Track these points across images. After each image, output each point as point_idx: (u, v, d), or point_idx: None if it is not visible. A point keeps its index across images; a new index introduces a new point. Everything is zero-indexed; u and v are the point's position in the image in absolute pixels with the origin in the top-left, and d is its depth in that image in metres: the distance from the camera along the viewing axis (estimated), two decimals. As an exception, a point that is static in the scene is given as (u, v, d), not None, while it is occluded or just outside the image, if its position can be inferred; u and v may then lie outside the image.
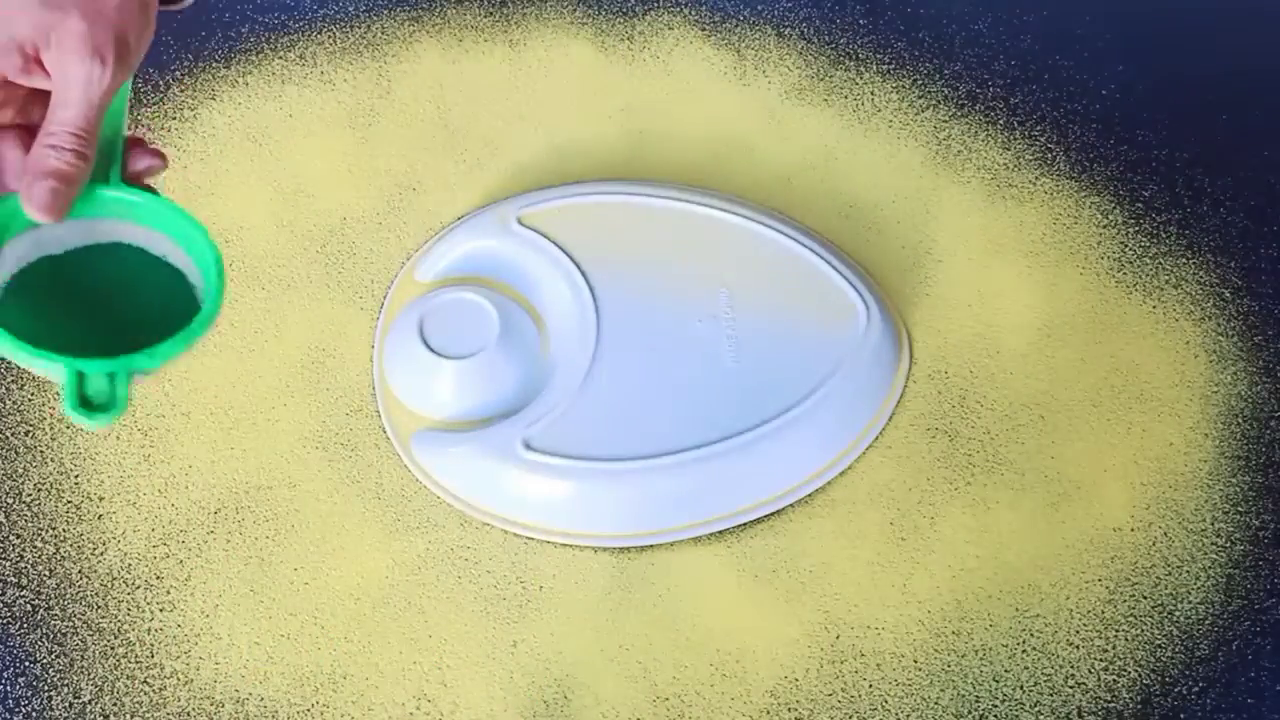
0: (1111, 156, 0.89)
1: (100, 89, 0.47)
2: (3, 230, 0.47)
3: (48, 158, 0.46)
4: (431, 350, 0.73)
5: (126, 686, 0.66)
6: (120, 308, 0.49)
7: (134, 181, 0.50)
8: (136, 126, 0.88)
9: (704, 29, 0.95)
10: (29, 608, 0.68)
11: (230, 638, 0.68)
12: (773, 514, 0.73)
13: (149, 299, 0.50)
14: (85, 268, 0.49)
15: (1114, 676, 0.68)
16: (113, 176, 0.49)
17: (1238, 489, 0.75)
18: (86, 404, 0.43)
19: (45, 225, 0.48)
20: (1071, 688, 0.68)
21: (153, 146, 0.51)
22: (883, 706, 0.67)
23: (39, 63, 0.47)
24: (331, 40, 0.93)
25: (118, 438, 0.74)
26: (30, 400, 0.75)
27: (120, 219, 0.49)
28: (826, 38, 0.95)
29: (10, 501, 0.72)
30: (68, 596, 0.69)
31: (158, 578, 0.70)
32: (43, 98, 0.48)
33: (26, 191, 0.46)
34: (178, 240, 0.50)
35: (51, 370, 0.44)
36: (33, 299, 0.47)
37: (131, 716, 0.65)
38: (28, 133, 0.48)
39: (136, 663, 0.67)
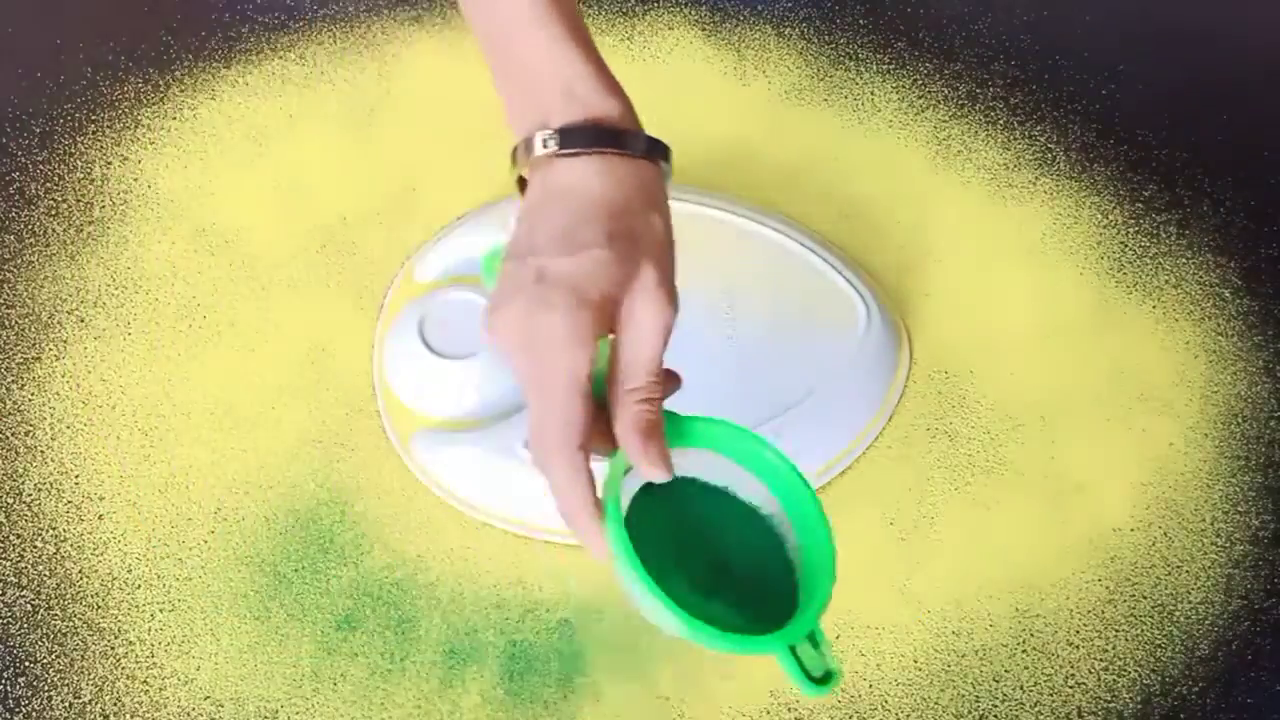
0: (1111, 156, 0.89)
1: (670, 329, 0.45)
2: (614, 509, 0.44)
3: (645, 414, 0.44)
4: (431, 350, 0.73)
5: (126, 686, 0.66)
6: (707, 543, 0.47)
7: None
8: (136, 126, 0.88)
9: (704, 29, 0.95)
10: (29, 608, 0.68)
11: (230, 638, 0.68)
12: (773, 514, 0.73)
13: (733, 538, 0.48)
14: (670, 505, 0.47)
15: (1114, 676, 0.68)
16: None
17: (1238, 489, 0.75)
18: (811, 678, 0.43)
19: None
20: (1071, 688, 0.68)
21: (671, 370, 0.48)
22: (883, 706, 0.67)
23: (613, 318, 0.45)
24: (331, 40, 0.93)
25: (118, 438, 0.74)
26: (30, 400, 0.75)
27: (704, 448, 0.47)
28: (826, 38, 0.95)
29: (10, 501, 0.72)
30: (68, 596, 0.69)
31: (158, 578, 0.70)
32: None
33: (643, 455, 0.44)
34: (755, 471, 0.48)
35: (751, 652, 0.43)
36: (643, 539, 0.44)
37: (131, 716, 0.65)
38: None
39: (136, 663, 0.67)
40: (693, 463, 0.47)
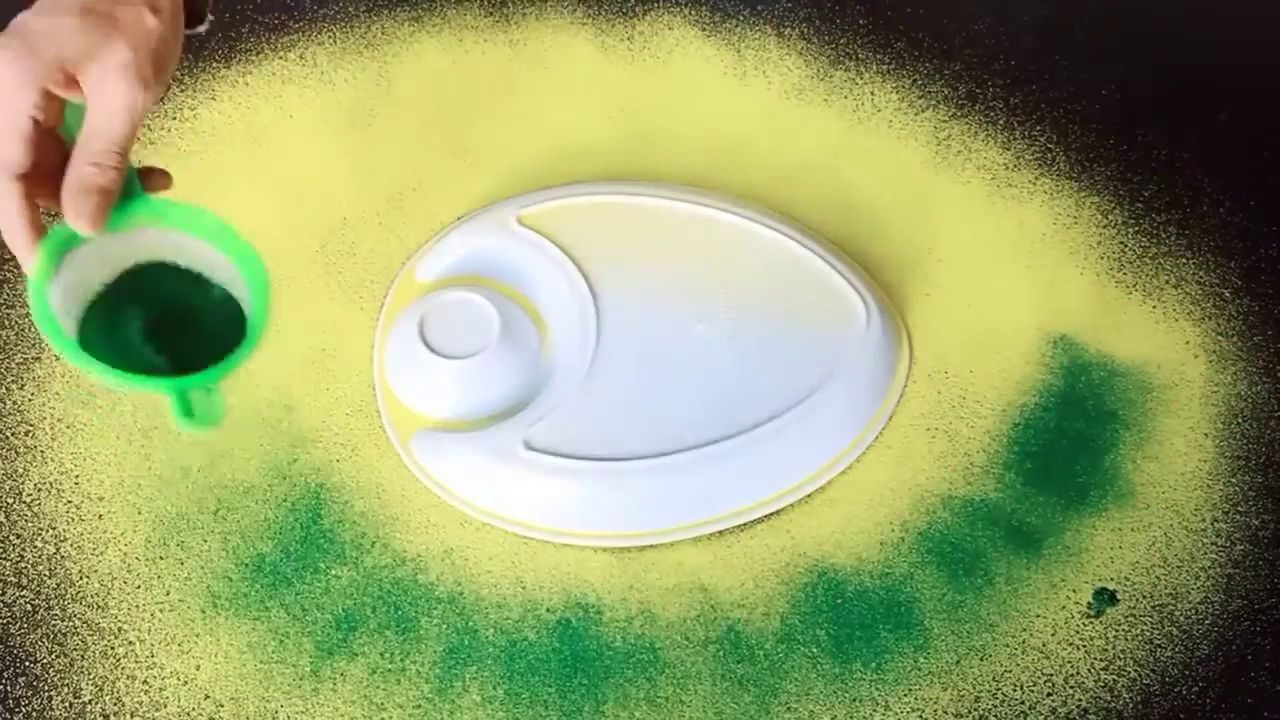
0: (1111, 156, 0.89)
1: (140, 110, 0.51)
2: (48, 263, 0.51)
3: (91, 175, 0.50)
4: (431, 350, 0.73)
5: (126, 686, 0.66)
6: (176, 320, 0.55)
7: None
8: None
9: (704, 29, 0.95)
10: (29, 608, 0.68)
11: (230, 638, 0.68)
12: (772, 514, 0.73)
13: (198, 306, 0.56)
14: (136, 289, 0.55)
15: (1114, 676, 0.68)
16: (136, 190, 0.54)
17: (1238, 489, 0.75)
18: (190, 417, 0.52)
19: (92, 249, 0.52)
20: (1071, 688, 0.68)
21: (159, 168, 0.56)
22: (884, 706, 0.67)
23: (76, 81, 0.51)
24: (331, 40, 0.93)
25: (117, 437, 0.74)
26: (30, 400, 0.75)
27: (158, 225, 0.54)
28: (826, 38, 0.95)
29: (10, 501, 0.72)
30: (68, 596, 0.69)
31: (158, 578, 0.70)
32: (53, 143, 0.52)
33: (71, 206, 0.50)
34: (208, 240, 0.55)
35: (149, 391, 0.51)
36: (101, 324, 0.53)
37: (131, 716, 0.65)
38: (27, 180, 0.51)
39: (136, 663, 0.67)
40: (171, 244, 0.55)
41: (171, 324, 0.55)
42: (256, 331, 0.54)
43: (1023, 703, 0.67)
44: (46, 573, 0.70)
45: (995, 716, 0.67)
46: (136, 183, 0.54)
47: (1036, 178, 0.88)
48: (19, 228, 0.51)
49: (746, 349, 0.75)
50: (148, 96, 0.52)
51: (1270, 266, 0.84)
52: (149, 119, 0.88)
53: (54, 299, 0.51)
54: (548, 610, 0.70)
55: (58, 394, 0.76)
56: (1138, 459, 0.76)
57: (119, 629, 0.68)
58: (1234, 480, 0.75)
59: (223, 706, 0.66)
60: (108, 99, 0.51)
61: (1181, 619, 0.70)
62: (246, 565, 0.70)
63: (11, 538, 0.71)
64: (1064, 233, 0.85)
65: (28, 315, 0.79)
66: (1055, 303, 0.82)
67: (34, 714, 0.65)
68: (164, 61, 0.53)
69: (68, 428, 0.75)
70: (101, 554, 0.70)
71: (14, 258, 0.81)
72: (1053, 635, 0.69)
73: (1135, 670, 0.68)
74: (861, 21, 0.96)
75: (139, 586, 0.69)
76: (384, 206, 0.84)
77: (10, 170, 0.50)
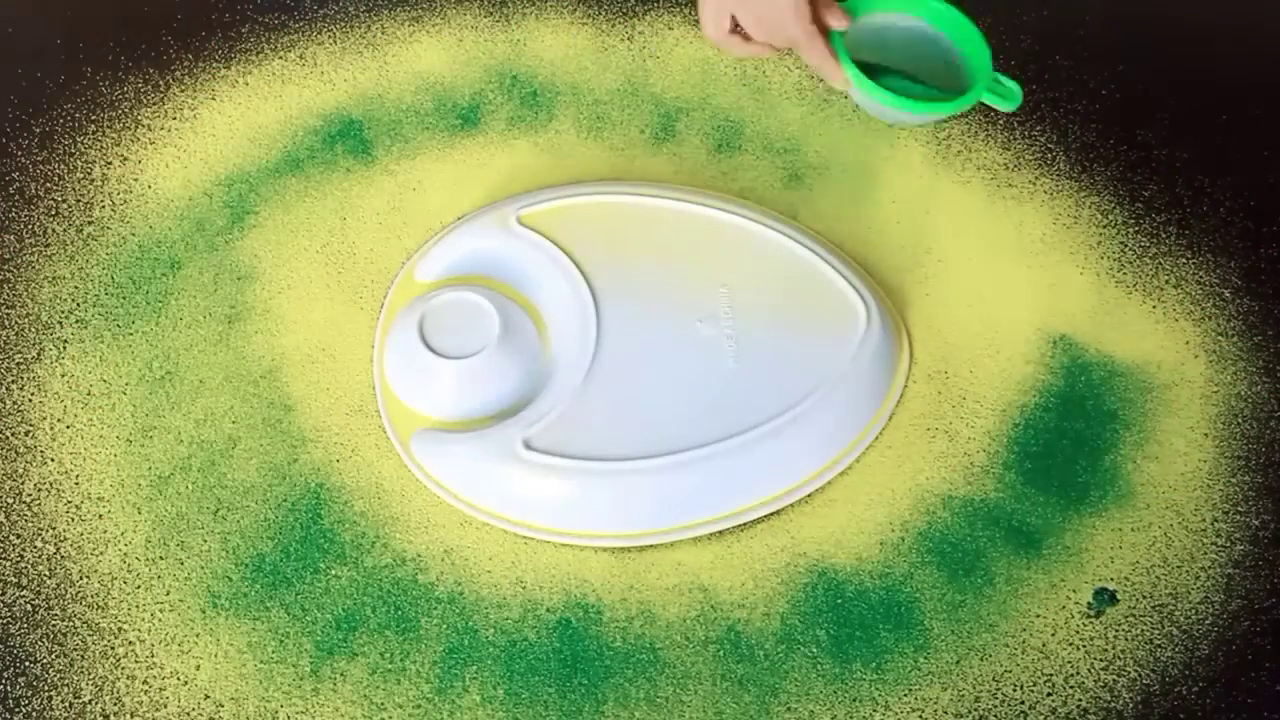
0: (1111, 156, 0.89)
1: None
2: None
3: None
4: (431, 350, 0.73)
5: (126, 686, 0.66)
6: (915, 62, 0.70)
7: None
8: (136, 126, 0.88)
9: (704, 29, 0.95)
10: (29, 608, 0.69)
11: (230, 638, 0.68)
12: (773, 514, 0.73)
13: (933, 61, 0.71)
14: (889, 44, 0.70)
15: (1114, 676, 0.68)
16: None
17: (1238, 489, 0.75)
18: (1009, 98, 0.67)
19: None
20: (1072, 688, 0.68)
21: None
22: (884, 706, 0.67)
23: None
24: (331, 40, 0.93)
25: (117, 437, 0.74)
26: (30, 400, 0.75)
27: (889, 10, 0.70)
28: (826, 38, 0.95)
29: (10, 501, 0.72)
30: (68, 596, 0.69)
31: (158, 578, 0.70)
32: None
33: (827, 12, 0.65)
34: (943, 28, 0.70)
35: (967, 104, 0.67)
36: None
37: (131, 716, 0.65)
38: None
39: (136, 663, 0.67)
40: (885, 20, 0.70)
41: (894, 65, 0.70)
42: (985, 67, 0.68)
43: (1023, 703, 0.67)
44: (46, 573, 0.70)
45: (995, 716, 0.67)
46: None
47: (1036, 178, 0.88)
48: (825, 50, 0.65)
49: (746, 349, 0.75)
50: None
51: (1270, 266, 0.84)
52: (149, 119, 0.88)
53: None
54: (548, 610, 0.70)
55: (58, 394, 0.76)
56: (1138, 459, 0.76)
57: (119, 629, 0.68)
58: (1234, 480, 0.75)
59: (223, 706, 0.66)
60: None
61: (1181, 619, 0.70)
62: (246, 565, 0.70)
63: (11, 538, 0.71)
64: (1064, 233, 0.85)
65: (27, 315, 0.79)
66: (1055, 303, 0.82)
67: (34, 714, 0.65)
68: None
69: (68, 428, 0.75)
70: (101, 554, 0.70)
71: (14, 258, 0.81)
72: (1053, 635, 0.69)
73: (1135, 670, 0.68)
74: (861, 21, 0.96)
75: (139, 586, 0.69)
76: (384, 206, 0.84)
77: (809, 14, 0.64)
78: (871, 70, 0.67)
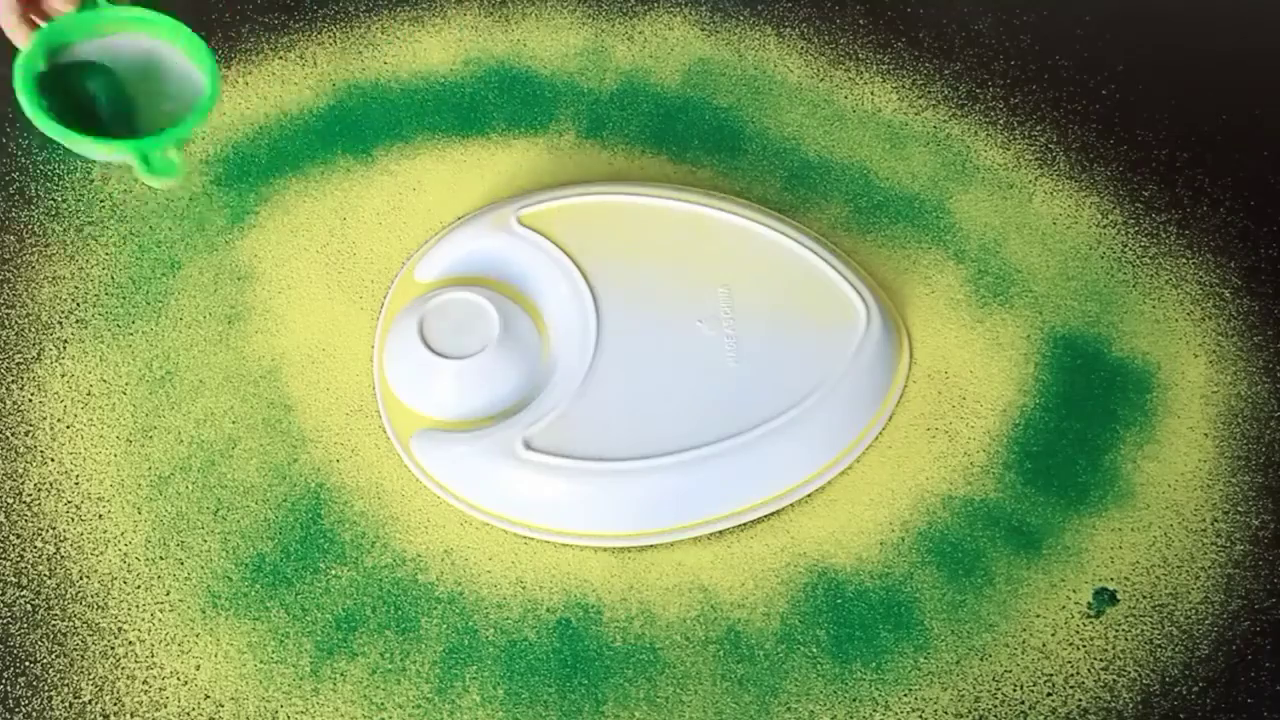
0: (1111, 156, 0.89)
1: None
2: (36, 50, 0.60)
3: None
4: (431, 350, 0.73)
5: (126, 686, 0.66)
6: (133, 99, 0.62)
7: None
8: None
9: (704, 29, 0.95)
10: (29, 608, 0.68)
11: (230, 638, 0.68)
12: (772, 514, 0.73)
13: (155, 90, 0.63)
14: (92, 77, 0.62)
15: (1114, 676, 0.68)
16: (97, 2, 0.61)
17: (1238, 489, 0.75)
18: (154, 172, 0.58)
19: (71, 55, 0.60)
20: (1071, 688, 0.68)
21: None
22: (884, 706, 0.67)
23: None
24: (331, 40, 0.93)
25: (117, 437, 0.74)
26: (30, 400, 0.75)
27: (119, 31, 0.62)
28: (826, 38, 0.95)
29: (10, 501, 0.72)
30: (68, 596, 0.69)
31: (158, 578, 0.70)
32: None
33: None
34: (164, 37, 0.63)
35: (115, 154, 0.59)
36: (63, 98, 0.60)
37: (131, 716, 0.65)
38: None
39: (136, 663, 0.67)
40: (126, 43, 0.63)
41: (128, 106, 0.62)
42: (207, 99, 0.61)
43: (1023, 703, 0.67)
44: (46, 573, 0.70)
45: (995, 716, 0.67)
46: None
47: (1036, 178, 0.88)
48: (16, 17, 0.59)
49: (746, 349, 0.75)
50: None
51: (1270, 266, 0.84)
52: (149, 119, 0.88)
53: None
54: (548, 610, 0.70)
55: (57, 394, 0.76)
56: (1138, 459, 0.76)
57: (119, 629, 0.68)
58: (1234, 480, 0.75)
59: (223, 706, 0.66)
60: None
61: (1181, 619, 0.70)
62: (246, 565, 0.70)
63: (11, 538, 0.71)
64: (1064, 233, 0.85)
65: (27, 315, 0.79)
66: (1055, 302, 0.82)
67: (34, 714, 0.65)
68: None
69: (68, 428, 0.75)
70: (101, 554, 0.70)
71: (14, 258, 0.81)
72: (1053, 635, 0.69)
73: (1135, 670, 0.68)
74: (861, 21, 0.96)
75: (139, 586, 0.69)
76: (384, 206, 0.84)
77: None
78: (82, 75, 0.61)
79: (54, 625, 0.68)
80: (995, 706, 0.67)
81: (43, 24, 0.60)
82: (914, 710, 0.67)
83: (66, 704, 0.66)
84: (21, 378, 0.76)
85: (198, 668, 0.67)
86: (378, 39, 0.93)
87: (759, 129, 0.89)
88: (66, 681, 0.66)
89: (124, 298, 0.80)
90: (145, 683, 0.66)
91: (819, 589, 0.71)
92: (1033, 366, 0.79)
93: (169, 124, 0.60)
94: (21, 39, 0.60)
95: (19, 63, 0.59)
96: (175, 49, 0.63)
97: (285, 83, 0.90)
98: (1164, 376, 0.79)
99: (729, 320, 0.76)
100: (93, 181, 0.85)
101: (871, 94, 0.91)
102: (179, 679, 0.67)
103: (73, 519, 0.71)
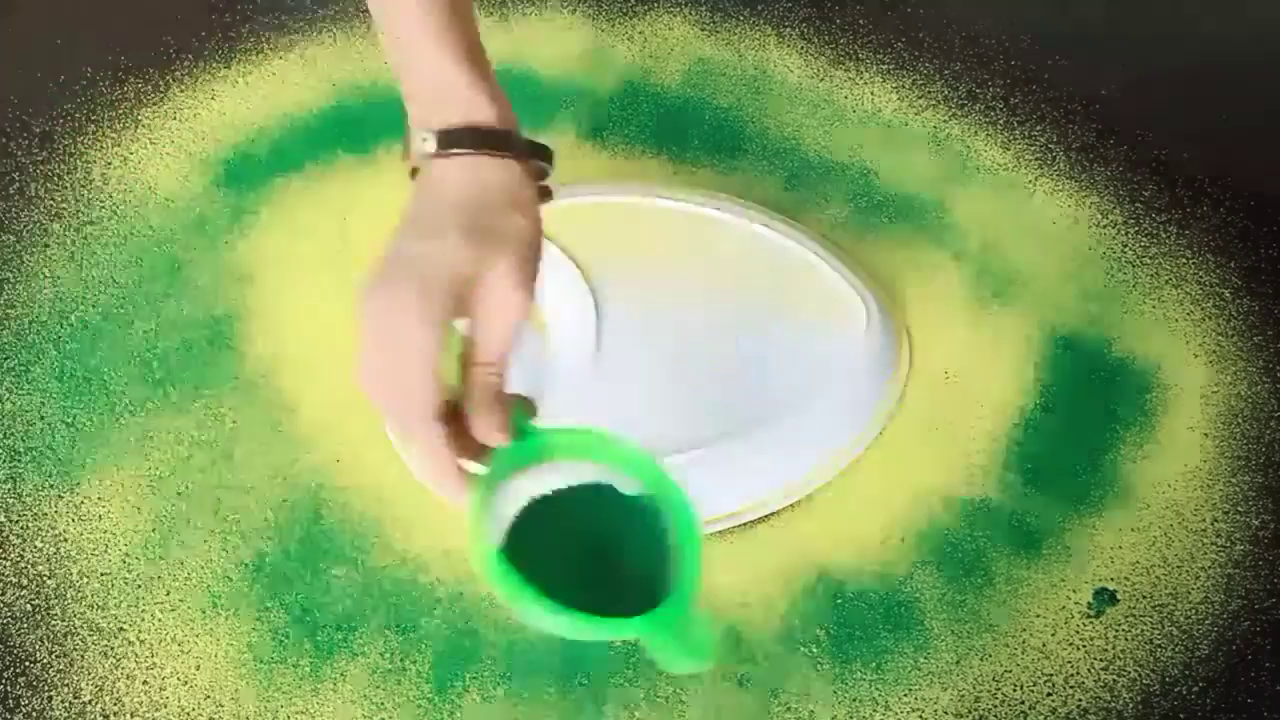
0: (1111, 156, 0.89)
1: (522, 318, 0.49)
2: (485, 494, 0.47)
3: (492, 384, 0.48)
4: (431, 350, 0.73)
5: (126, 686, 0.66)
6: (590, 545, 0.49)
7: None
8: (136, 126, 0.88)
9: (704, 29, 0.95)
10: (29, 608, 0.69)
11: (230, 638, 0.68)
12: (773, 514, 0.73)
13: (617, 534, 0.50)
14: (557, 512, 0.49)
15: (1114, 676, 0.68)
16: (523, 421, 0.50)
17: (1238, 489, 0.75)
18: (688, 653, 0.45)
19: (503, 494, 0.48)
20: (1072, 688, 0.68)
21: (521, 395, 0.51)
22: (884, 706, 0.67)
23: (464, 303, 0.48)
24: (331, 40, 0.93)
25: (117, 437, 0.74)
26: (30, 400, 0.75)
27: (556, 457, 0.50)
28: (826, 38, 0.95)
29: (10, 501, 0.72)
30: (68, 596, 0.69)
31: (158, 578, 0.70)
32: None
33: (484, 417, 0.47)
34: (627, 470, 0.50)
35: (637, 633, 0.45)
36: (528, 550, 0.47)
37: (131, 716, 0.65)
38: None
39: (136, 663, 0.67)
40: (569, 473, 0.49)
41: (582, 555, 0.49)
42: (692, 531, 0.48)
43: (1023, 703, 0.67)
44: (46, 573, 0.70)
45: (995, 716, 0.67)
46: (521, 412, 0.50)
47: (1036, 178, 0.88)
48: (455, 470, 0.48)
49: (746, 349, 0.75)
50: (528, 304, 0.49)
51: (1270, 266, 0.84)
52: (149, 119, 0.88)
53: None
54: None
55: (57, 394, 0.76)
56: (1138, 459, 0.76)
57: (119, 629, 0.68)
58: (1234, 480, 0.75)
59: (223, 706, 0.66)
60: (499, 313, 0.49)
61: (1181, 619, 0.70)
62: (246, 565, 0.70)
63: (11, 538, 0.71)
64: (1064, 233, 0.85)
65: (27, 317, 0.79)
66: (1055, 302, 0.82)
67: (34, 714, 0.65)
68: (537, 260, 0.51)
69: (68, 428, 0.75)
70: (101, 554, 0.70)
71: (14, 258, 0.81)
72: (1053, 635, 0.69)
73: (1135, 670, 0.68)
74: (861, 21, 0.96)
75: (139, 586, 0.69)
76: (384, 206, 0.84)
77: (432, 415, 0.46)
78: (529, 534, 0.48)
79: (54, 625, 0.68)
80: (995, 706, 0.67)
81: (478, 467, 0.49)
82: (914, 710, 0.67)
83: (66, 704, 0.66)
84: (21, 378, 0.76)
85: (198, 668, 0.67)
86: (378, 39, 0.93)
87: (759, 129, 0.89)
88: (66, 681, 0.66)
89: (124, 298, 0.80)
90: (145, 683, 0.66)
91: (819, 589, 0.71)
92: (1033, 366, 0.79)
93: (618, 573, 0.47)
94: (460, 491, 0.48)
95: (472, 522, 0.46)
96: (625, 477, 0.50)
97: (285, 83, 0.90)
98: (1164, 376, 0.79)
99: (729, 320, 0.76)
100: (93, 181, 0.85)
101: (871, 94, 0.91)
102: (179, 679, 0.67)
103: (73, 519, 0.71)
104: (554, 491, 0.49)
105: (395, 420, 0.47)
